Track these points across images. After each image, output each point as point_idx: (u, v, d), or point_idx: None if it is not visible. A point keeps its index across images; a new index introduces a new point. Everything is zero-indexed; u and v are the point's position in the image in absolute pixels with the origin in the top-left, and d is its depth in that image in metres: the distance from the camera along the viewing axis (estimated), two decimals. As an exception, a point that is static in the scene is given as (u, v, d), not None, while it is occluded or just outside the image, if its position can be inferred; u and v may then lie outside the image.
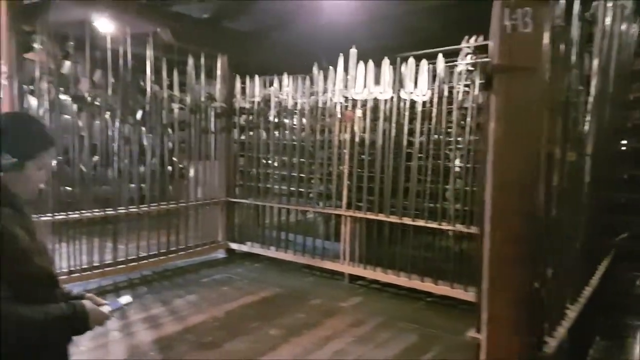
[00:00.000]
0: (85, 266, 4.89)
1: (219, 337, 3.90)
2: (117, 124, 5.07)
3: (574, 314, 2.41)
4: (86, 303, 1.51)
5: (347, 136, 5.17)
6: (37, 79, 4.67)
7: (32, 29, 5.01)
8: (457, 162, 4.49)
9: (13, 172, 1.39)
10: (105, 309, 1.56)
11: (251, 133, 6.12)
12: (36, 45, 5.63)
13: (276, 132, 5.91)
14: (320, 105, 5.40)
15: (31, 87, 5.38)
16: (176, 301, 4.70)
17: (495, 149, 1.84)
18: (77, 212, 4.82)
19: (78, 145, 4.85)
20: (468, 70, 4.39)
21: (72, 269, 4.78)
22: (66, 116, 5.13)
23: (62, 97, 4.99)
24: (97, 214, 4.98)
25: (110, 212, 5.08)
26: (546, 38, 1.77)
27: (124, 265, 5.20)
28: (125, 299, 1.66)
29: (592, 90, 2.58)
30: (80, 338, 4.01)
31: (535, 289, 2.08)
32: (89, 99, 5.03)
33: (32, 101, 5.39)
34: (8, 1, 4.38)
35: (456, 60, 4.49)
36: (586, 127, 2.54)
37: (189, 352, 3.62)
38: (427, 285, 4.73)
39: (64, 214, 4.74)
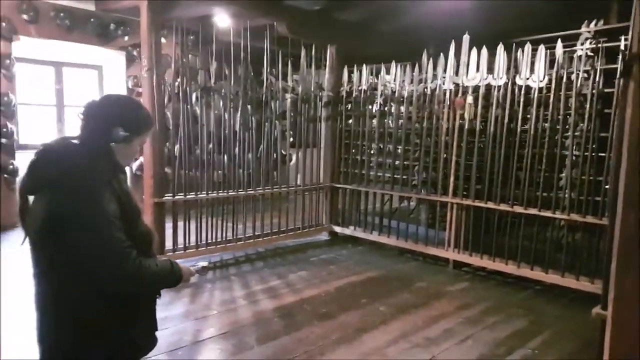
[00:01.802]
0: (210, 241, 5.45)
1: (332, 309, 4.20)
2: (238, 113, 5.52)
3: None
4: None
5: (456, 123, 5.20)
6: (172, 72, 5.23)
7: (162, 24, 5.55)
8: (575, 150, 4.37)
9: (122, 144, 1.62)
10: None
11: (355, 121, 6.32)
12: (164, 40, 6.24)
13: (382, 120, 6.05)
14: (428, 92, 5.46)
15: (165, 80, 6.01)
16: (290, 276, 5.09)
17: (632, 135, 1.89)
18: (204, 192, 5.37)
19: (205, 133, 5.35)
20: (588, 56, 4.24)
21: (198, 243, 5.36)
22: (188, 106, 5.64)
23: (190, 88, 5.50)
24: (220, 194, 5.49)
25: (232, 193, 5.58)
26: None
27: (242, 242, 5.72)
28: (204, 262, 1.94)
29: None
30: (212, 303, 4.44)
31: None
32: (214, 90, 5.53)
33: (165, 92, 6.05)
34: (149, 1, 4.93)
35: (575, 45, 4.35)
36: None
37: (307, 320, 3.95)
38: (537, 274, 4.68)
39: (193, 194, 5.30)
